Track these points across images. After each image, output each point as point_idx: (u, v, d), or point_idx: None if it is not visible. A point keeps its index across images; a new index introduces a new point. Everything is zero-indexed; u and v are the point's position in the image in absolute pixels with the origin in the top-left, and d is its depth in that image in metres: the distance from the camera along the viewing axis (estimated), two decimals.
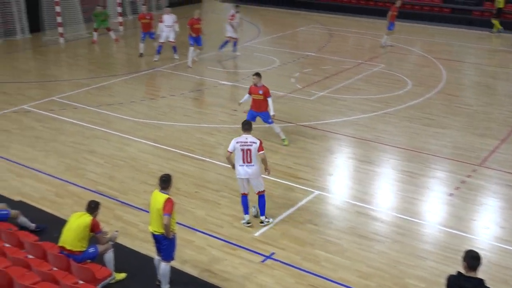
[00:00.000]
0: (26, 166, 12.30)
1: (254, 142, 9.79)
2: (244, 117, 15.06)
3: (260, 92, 12.91)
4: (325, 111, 15.79)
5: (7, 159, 12.62)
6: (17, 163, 12.46)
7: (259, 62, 20.91)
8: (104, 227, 8.54)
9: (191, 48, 20.11)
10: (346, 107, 16.09)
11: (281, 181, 11.70)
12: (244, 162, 9.78)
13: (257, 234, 9.82)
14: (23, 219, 9.47)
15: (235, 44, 21.80)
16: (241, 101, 13.69)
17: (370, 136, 14.05)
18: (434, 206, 10.94)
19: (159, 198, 7.98)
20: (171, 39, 20.64)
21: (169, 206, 7.87)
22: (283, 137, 13.50)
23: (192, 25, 19.93)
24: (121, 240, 9.25)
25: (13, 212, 9.40)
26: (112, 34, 23.58)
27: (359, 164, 12.60)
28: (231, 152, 9.86)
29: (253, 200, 10.22)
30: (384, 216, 10.50)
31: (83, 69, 20.01)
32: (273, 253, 9.27)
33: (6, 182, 11.59)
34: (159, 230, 8.01)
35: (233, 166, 10.00)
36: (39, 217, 9.99)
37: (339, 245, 9.54)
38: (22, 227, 9.28)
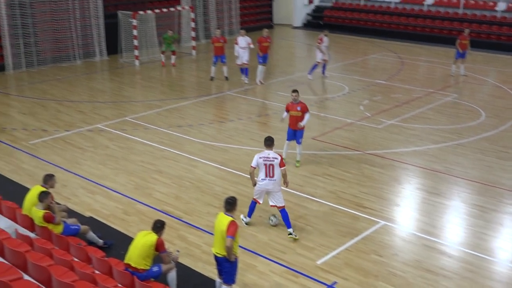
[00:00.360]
0: (97, 183, 12.70)
1: (276, 158, 10.30)
2: (311, 144, 15.09)
3: (298, 108, 13.16)
4: (394, 140, 15.52)
5: (81, 176, 13.09)
6: (89, 180, 12.89)
7: (328, 88, 20.87)
8: (168, 246, 8.67)
9: (260, 66, 20.89)
10: (416, 137, 15.75)
11: (346, 209, 11.54)
12: (266, 176, 10.31)
13: (319, 262, 9.70)
14: (92, 235, 9.76)
15: (324, 67, 22.14)
16: (283, 117, 13.83)
17: (440, 167, 13.67)
18: (507, 243, 10.47)
19: (223, 220, 8.04)
20: (245, 61, 21.19)
21: (233, 228, 7.92)
22: (298, 158, 13.66)
23: (261, 43, 20.78)
24: (184, 261, 9.36)
25: (83, 227, 9.71)
26: (173, 58, 24.16)
27: (428, 195, 12.26)
28: (254, 168, 10.38)
29: (266, 210, 10.09)
30: (453, 251, 10.14)
31: (156, 91, 20.59)
32: (335, 283, 9.11)
33: (78, 198, 12.00)
34: (221, 252, 8.05)
35: (254, 184, 10.51)
36: (107, 234, 10.29)
37: (404, 278, 9.27)
38: (91, 243, 9.57)
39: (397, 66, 24.57)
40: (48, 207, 9.25)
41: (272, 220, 10.82)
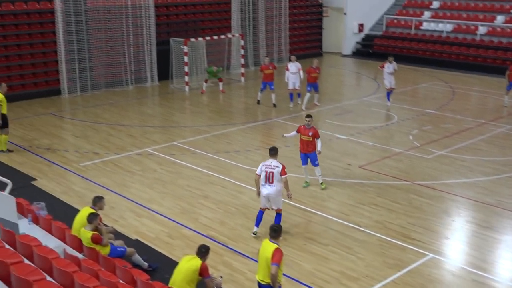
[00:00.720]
0: (144, 206, 12.88)
1: (277, 166, 11.04)
2: (359, 173, 14.95)
3: (310, 133, 13.45)
4: (444, 171, 15.19)
5: (128, 199, 13.31)
6: (136, 202, 13.09)
7: (376, 117, 20.69)
8: (212, 272, 8.68)
9: (308, 94, 21.44)
10: (466, 168, 15.39)
11: (393, 240, 11.31)
12: (266, 182, 11.07)
13: None
14: (137, 258, 9.87)
15: (390, 94, 22.32)
16: (286, 135, 14.51)
17: (492, 200, 13.28)
18: None
19: (268, 247, 8.01)
20: (297, 87, 21.69)
21: (278, 256, 7.88)
22: (321, 181, 13.85)
23: (310, 73, 21.34)
24: (227, 287, 9.34)
25: (129, 250, 9.84)
26: (220, 85, 24.46)
27: (478, 229, 11.90)
28: (259, 175, 11.12)
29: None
30: (504, 287, 9.77)
31: (204, 117, 20.85)
32: None
33: (126, 220, 12.19)
34: (265, 279, 8.00)
35: (258, 193, 11.19)
36: (152, 257, 10.39)
37: None
38: (136, 265, 9.67)
39: (448, 96, 24.18)
40: (96, 229, 9.42)
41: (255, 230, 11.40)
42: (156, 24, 26.06)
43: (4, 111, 16.10)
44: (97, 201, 10.02)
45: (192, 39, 25.34)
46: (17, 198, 10.27)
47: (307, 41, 34.19)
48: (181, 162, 15.74)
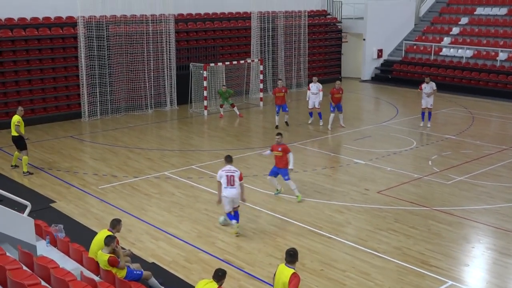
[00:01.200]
0: (161, 230, 12.90)
1: (236, 171, 12.48)
2: (377, 198, 14.85)
3: (279, 149, 14.57)
4: (463, 197, 15.02)
5: (146, 222, 13.35)
6: (153, 226, 13.12)
7: (395, 142, 20.59)
8: None
9: (332, 115, 22.19)
10: (487, 194, 15.19)
11: (411, 266, 11.16)
12: (228, 185, 12.32)
13: None
14: (153, 281, 9.85)
15: (429, 115, 22.63)
16: (263, 153, 15.79)
17: None
18: None
19: (285, 272, 7.95)
20: (316, 105, 22.60)
21: (295, 281, 7.81)
22: (297, 194, 14.60)
23: (333, 94, 22.14)
24: None
25: (146, 273, 9.83)
26: (236, 110, 24.59)
27: (499, 256, 11.70)
28: (219, 182, 12.38)
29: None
30: None
31: (222, 141, 20.93)
32: None
33: (143, 243, 12.20)
34: None
35: (219, 201, 12.50)
36: (168, 280, 10.36)
37: None
38: None
39: (467, 122, 24.01)
40: (113, 251, 9.45)
41: (221, 219, 12.99)
42: (177, 49, 26.40)
43: (22, 131, 16.58)
44: (116, 224, 10.06)
45: (212, 64, 25.60)
46: (36, 220, 10.37)
47: (326, 66, 34.32)
48: (198, 185, 15.78)
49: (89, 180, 16.32)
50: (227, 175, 12.36)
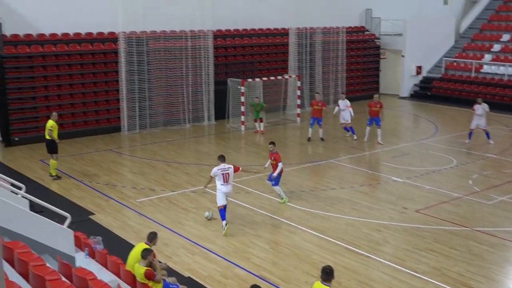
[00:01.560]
0: (197, 244, 12.93)
1: (230, 167, 13.60)
2: (415, 217, 14.60)
3: (272, 158, 15.44)
4: (506, 218, 14.63)
5: (182, 236, 13.40)
6: (190, 240, 13.17)
7: (434, 160, 20.26)
8: None
9: (368, 128, 22.65)
10: None
11: None
12: (224, 182, 13.47)
13: None
14: None
15: (487, 135, 22.74)
16: (265, 166, 16.13)
17: None
18: None
19: None
20: (347, 120, 23.25)
21: None
22: (283, 197, 15.64)
23: (370, 107, 22.58)
24: None
25: (182, 287, 9.84)
26: (261, 126, 24.61)
27: None
28: (212, 177, 13.61)
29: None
30: None
31: (259, 156, 20.92)
32: None
33: (179, 257, 12.25)
34: None
35: (205, 186, 14.20)
36: None
37: None
38: None
39: (509, 140, 23.48)
40: (150, 265, 9.50)
41: (207, 214, 14.33)
42: (215, 64, 26.64)
43: (55, 136, 17.61)
44: (152, 237, 10.13)
45: (249, 80, 25.72)
46: (75, 231, 10.52)
47: (364, 83, 34.11)
48: (235, 200, 15.78)
49: (127, 193, 16.52)
50: (223, 174, 13.44)
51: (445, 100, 32.19)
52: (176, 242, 13.04)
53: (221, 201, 13.53)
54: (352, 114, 23.13)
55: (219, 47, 27.74)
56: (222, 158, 13.76)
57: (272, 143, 15.65)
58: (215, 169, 13.52)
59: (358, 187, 17.23)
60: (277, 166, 15.24)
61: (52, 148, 17.69)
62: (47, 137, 17.59)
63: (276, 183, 15.51)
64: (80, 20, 24.22)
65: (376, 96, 23.28)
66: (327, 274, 8.01)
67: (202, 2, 25.83)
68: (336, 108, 23.77)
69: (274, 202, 15.70)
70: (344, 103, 23.38)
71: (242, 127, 25.21)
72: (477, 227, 13.95)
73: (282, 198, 15.61)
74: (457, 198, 16.09)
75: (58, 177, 17.67)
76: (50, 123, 17.60)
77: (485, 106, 22.51)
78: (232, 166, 13.68)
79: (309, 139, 22.94)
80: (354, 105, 24.08)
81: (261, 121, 24.72)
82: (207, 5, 25.85)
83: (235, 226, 13.99)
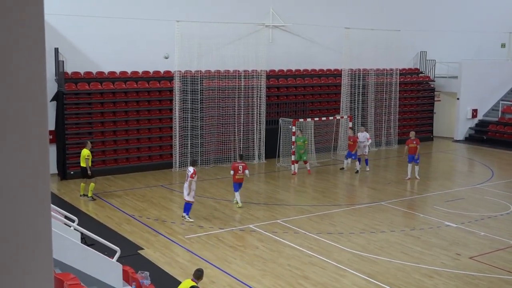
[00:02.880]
0: (244, 283, 12.85)
1: (189, 171, 17.11)
2: (469, 264, 14.10)
3: (240, 167, 18.75)
4: None
5: (229, 274, 13.36)
6: (236, 278, 13.10)
7: (489, 205, 19.64)
8: None
9: (409, 165, 23.03)
10: None
11: None
12: (186, 181, 17.11)
13: None
14: None
15: None
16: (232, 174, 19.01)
17: None
18: None
19: None
20: (365, 153, 24.59)
21: None
22: (239, 202, 18.84)
23: (407, 144, 23.26)
24: None
25: None
26: (308, 165, 24.48)
27: None
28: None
29: None
30: None
31: (308, 196, 20.82)
32: None
33: None
34: None
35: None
36: None
37: None
38: None
39: None
40: None
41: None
42: (267, 104, 26.88)
43: (89, 164, 19.36)
44: (199, 275, 10.14)
45: (301, 119, 25.78)
46: (123, 265, 10.65)
47: (418, 125, 33.61)
48: (282, 240, 15.68)
49: (176, 229, 16.66)
50: (187, 174, 17.18)
51: (501, 144, 31.35)
52: (223, 280, 13.00)
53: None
54: (370, 148, 24.44)
55: (272, 87, 28.02)
56: (192, 163, 18.51)
57: (240, 155, 20.25)
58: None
59: (409, 230, 16.83)
60: (243, 174, 18.70)
61: (86, 174, 19.42)
62: (83, 164, 19.36)
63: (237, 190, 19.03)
64: (138, 60, 25.01)
65: (412, 133, 23.96)
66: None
67: (257, 43, 26.27)
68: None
69: (322, 243, 15.50)
70: (363, 136, 24.53)
71: (292, 167, 25.15)
72: None
73: (238, 203, 18.88)
74: None
75: (93, 199, 19.22)
76: (86, 152, 19.21)
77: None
78: (192, 170, 17.23)
79: (342, 169, 24.86)
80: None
81: (305, 162, 24.60)
82: (261, 46, 26.28)
83: (282, 266, 13.86)
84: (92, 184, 19.43)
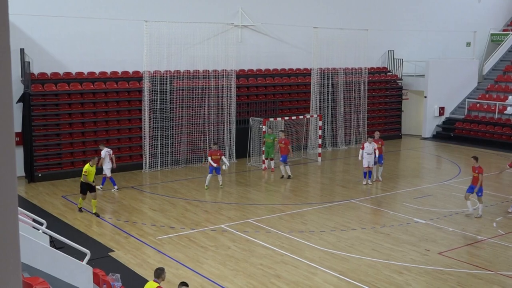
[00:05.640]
0: (216, 283, 12.83)
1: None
2: (438, 259, 14.33)
3: (218, 154, 21.07)
4: None
5: (201, 275, 13.32)
6: (208, 279, 13.07)
7: (457, 202, 19.97)
8: None
9: (374, 166, 22.53)
10: None
11: None
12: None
13: None
14: None
15: None
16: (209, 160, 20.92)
17: None
18: None
19: None
20: (371, 165, 22.50)
21: None
22: (206, 183, 21.20)
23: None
24: None
25: None
26: (272, 163, 24.60)
27: None
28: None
29: None
30: None
31: (280, 196, 20.88)
32: None
33: None
34: None
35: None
36: None
37: None
38: None
39: None
40: None
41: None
42: (237, 103, 26.87)
43: (90, 180, 17.95)
44: (159, 273, 10.09)
45: (271, 119, 25.85)
46: (94, 268, 10.53)
47: (386, 123, 34.05)
48: (254, 240, 15.70)
49: (147, 230, 16.54)
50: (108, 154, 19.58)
51: (468, 141, 31.94)
52: (195, 281, 12.95)
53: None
54: (377, 156, 22.48)
55: (242, 87, 28.03)
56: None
57: (216, 143, 21.80)
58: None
59: (379, 228, 17.02)
60: (219, 159, 21.11)
61: (84, 189, 18.03)
62: (82, 179, 18.08)
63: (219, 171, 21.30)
64: (106, 60, 24.75)
65: (377, 133, 23.36)
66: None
67: (226, 43, 26.24)
68: (361, 152, 22.49)
69: (294, 242, 15.57)
70: (372, 146, 22.25)
71: (263, 166, 25.22)
72: (502, 271, 13.63)
73: (207, 185, 21.11)
74: (481, 240, 15.79)
75: (97, 215, 17.88)
76: (86, 167, 17.94)
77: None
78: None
79: (282, 177, 23.39)
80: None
81: (271, 159, 24.63)
82: (230, 45, 26.25)
83: (254, 266, 13.88)
84: (94, 201, 17.99)
